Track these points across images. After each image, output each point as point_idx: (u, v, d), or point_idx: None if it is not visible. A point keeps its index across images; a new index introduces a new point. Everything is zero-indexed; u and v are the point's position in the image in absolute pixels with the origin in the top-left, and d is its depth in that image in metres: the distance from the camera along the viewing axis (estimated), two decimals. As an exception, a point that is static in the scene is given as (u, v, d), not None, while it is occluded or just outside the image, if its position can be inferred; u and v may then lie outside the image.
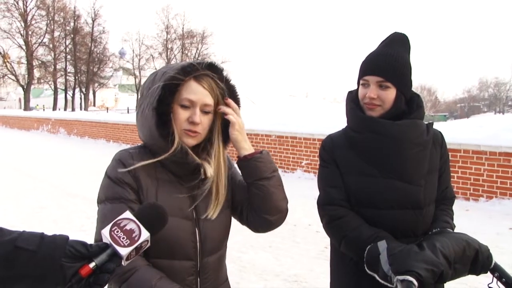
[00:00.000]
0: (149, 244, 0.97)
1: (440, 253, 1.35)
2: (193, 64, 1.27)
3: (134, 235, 0.93)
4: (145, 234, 0.94)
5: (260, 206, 1.35)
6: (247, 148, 1.35)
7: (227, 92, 1.34)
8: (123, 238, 0.91)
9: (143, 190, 1.27)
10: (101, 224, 1.22)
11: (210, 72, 1.30)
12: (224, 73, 1.35)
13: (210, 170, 1.31)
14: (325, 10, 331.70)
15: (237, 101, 1.37)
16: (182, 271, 1.29)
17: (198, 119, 1.27)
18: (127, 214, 0.95)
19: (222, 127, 1.38)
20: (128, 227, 0.93)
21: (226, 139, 1.39)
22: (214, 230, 1.34)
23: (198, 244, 1.30)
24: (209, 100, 1.29)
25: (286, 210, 1.40)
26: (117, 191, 1.25)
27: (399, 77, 1.57)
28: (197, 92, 1.27)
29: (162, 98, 1.24)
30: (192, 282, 1.31)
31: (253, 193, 1.35)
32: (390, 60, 1.57)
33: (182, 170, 1.30)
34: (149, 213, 0.99)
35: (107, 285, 0.94)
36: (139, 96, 1.37)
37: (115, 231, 0.92)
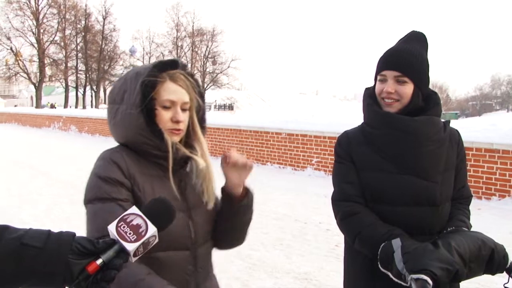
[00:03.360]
0: (157, 239, 0.95)
1: (455, 252, 1.34)
2: (163, 62, 1.33)
3: (141, 230, 0.91)
4: (152, 229, 0.92)
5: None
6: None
7: (197, 86, 1.40)
8: (129, 233, 0.90)
9: (140, 187, 1.28)
10: (91, 224, 1.22)
11: (180, 69, 1.36)
12: (188, 69, 1.40)
13: (202, 162, 1.37)
14: (336, 8, 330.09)
15: (201, 94, 1.42)
16: (181, 261, 1.33)
17: (182, 117, 1.33)
18: (134, 209, 0.94)
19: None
20: (134, 222, 0.92)
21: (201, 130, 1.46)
22: (205, 220, 1.40)
23: (192, 234, 1.35)
24: (187, 98, 1.35)
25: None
26: (107, 191, 1.23)
27: (416, 73, 1.57)
28: (177, 92, 1.32)
29: (145, 97, 1.27)
30: (191, 270, 1.35)
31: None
32: (407, 55, 1.57)
33: (172, 165, 1.33)
34: (156, 208, 0.98)
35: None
36: (108, 102, 1.40)
37: (122, 227, 0.90)
